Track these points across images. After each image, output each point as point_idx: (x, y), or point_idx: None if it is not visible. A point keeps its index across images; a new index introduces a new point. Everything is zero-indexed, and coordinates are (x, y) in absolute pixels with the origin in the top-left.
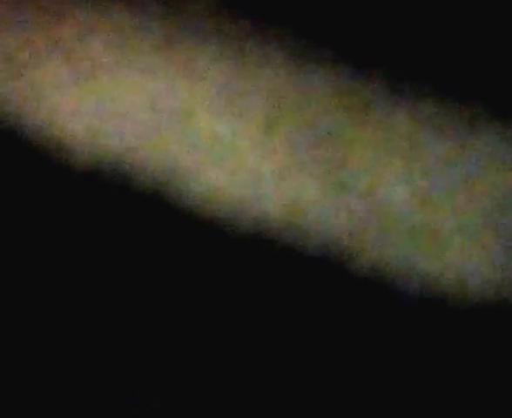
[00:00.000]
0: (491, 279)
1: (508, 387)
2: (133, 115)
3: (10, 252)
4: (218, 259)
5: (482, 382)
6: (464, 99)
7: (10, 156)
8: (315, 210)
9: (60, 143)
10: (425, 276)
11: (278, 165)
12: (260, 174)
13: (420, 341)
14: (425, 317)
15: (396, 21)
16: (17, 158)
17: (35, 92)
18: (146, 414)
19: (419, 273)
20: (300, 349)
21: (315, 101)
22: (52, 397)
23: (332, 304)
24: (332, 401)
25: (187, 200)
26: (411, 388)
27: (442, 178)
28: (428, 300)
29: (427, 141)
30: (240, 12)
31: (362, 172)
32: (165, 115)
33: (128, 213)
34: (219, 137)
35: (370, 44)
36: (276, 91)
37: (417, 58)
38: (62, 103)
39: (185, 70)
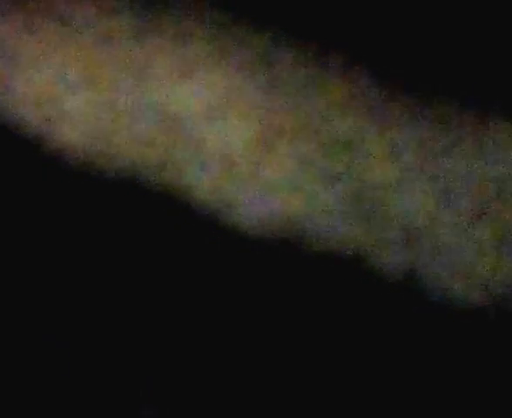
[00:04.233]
0: (490, 280)
1: (508, 387)
2: (127, 116)
3: (9, 254)
4: (221, 261)
5: (483, 383)
6: (475, 98)
7: (7, 156)
8: (319, 215)
9: (58, 144)
10: (428, 280)
11: (279, 170)
12: (262, 179)
13: (426, 343)
14: (428, 319)
15: (397, 22)
16: (16, 158)
17: (33, 91)
18: (148, 415)
19: (423, 277)
20: (304, 352)
21: (320, 106)
22: (53, 398)
23: (336, 307)
24: (333, 404)
25: (185, 202)
26: (414, 390)
27: (459, 178)
28: (432, 303)
29: (435, 143)
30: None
31: (364, 175)
32: (159, 117)
33: (125, 214)
34: (220, 140)
35: (367, 44)
36: (279, 95)
37: (419, 59)
38: (60, 104)
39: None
